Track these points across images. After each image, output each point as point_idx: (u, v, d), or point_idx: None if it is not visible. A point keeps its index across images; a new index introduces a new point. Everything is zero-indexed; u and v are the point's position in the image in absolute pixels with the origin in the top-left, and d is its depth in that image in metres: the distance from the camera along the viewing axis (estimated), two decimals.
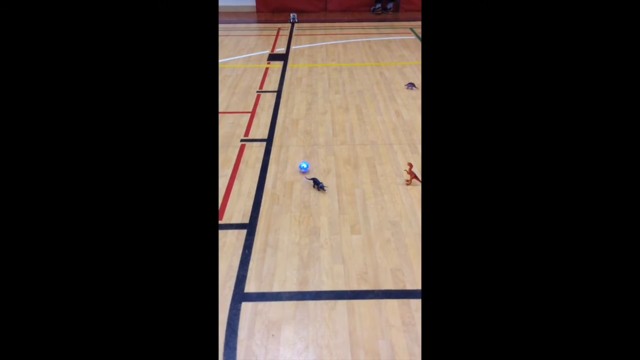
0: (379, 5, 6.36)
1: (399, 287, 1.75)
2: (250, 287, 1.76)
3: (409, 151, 2.71)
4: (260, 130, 3.01)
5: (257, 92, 3.61)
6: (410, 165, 2.38)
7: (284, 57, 4.47)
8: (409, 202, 2.25)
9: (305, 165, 2.50)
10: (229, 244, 1.98)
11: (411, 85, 3.64)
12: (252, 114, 3.23)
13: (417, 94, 3.53)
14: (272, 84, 3.79)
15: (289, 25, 5.77)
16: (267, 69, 4.13)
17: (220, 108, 3.33)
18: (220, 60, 4.39)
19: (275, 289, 1.75)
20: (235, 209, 2.22)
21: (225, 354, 1.49)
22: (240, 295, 1.72)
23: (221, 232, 2.05)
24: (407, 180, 2.40)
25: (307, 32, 5.47)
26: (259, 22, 6.11)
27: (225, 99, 3.48)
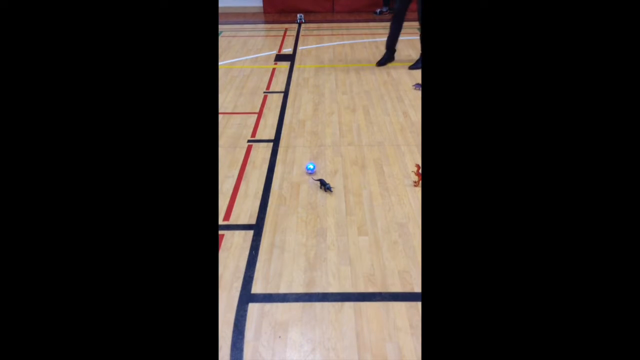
0: (385, 9, 6.33)
1: (407, 289, 1.74)
2: (257, 288, 1.76)
3: (416, 152, 2.69)
4: (267, 130, 3.01)
5: (264, 92, 3.62)
6: (418, 166, 2.36)
7: (291, 58, 4.47)
8: (417, 204, 2.23)
9: (312, 166, 2.49)
10: (236, 245, 1.98)
11: (419, 85, 3.62)
12: (259, 114, 3.24)
13: None
14: (279, 84, 3.79)
15: (296, 25, 5.78)
16: (274, 69, 4.14)
17: (228, 109, 3.34)
18: (227, 61, 4.40)
19: (282, 290, 1.74)
20: (242, 210, 2.22)
21: (232, 356, 1.49)
22: (247, 297, 1.72)
23: (228, 233, 2.05)
24: (415, 182, 2.39)
25: (314, 32, 5.47)
26: (266, 22, 6.12)
27: (233, 100, 3.48)
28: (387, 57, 4.15)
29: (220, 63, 4.33)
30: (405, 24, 4.13)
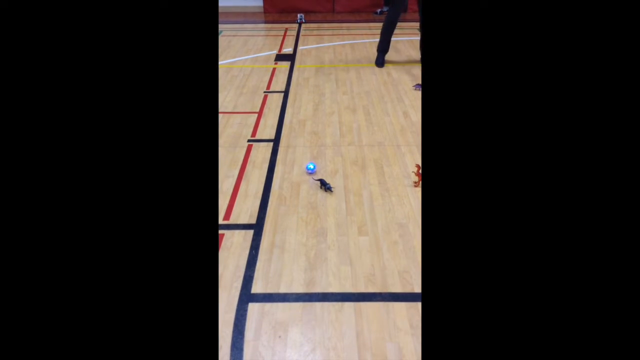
0: (386, 9, 6.33)
1: (407, 289, 1.74)
2: (257, 287, 1.75)
3: (416, 152, 2.69)
4: (267, 130, 3.00)
5: (265, 92, 3.61)
6: (418, 166, 2.36)
7: (291, 58, 4.47)
8: (417, 204, 2.23)
9: (312, 166, 2.49)
10: (236, 244, 1.98)
11: (419, 86, 3.62)
12: (260, 114, 3.23)
13: None
14: (279, 84, 3.79)
15: (296, 25, 5.77)
16: (274, 69, 4.14)
17: (228, 108, 3.34)
18: (228, 61, 4.40)
19: (282, 290, 1.74)
20: (242, 209, 2.22)
21: (232, 355, 1.49)
22: (247, 296, 1.71)
23: (228, 232, 2.05)
24: (415, 182, 2.39)
25: (315, 32, 5.47)
26: (266, 22, 6.12)
27: (233, 99, 3.48)
28: (382, 58, 4.14)
29: (220, 62, 4.32)
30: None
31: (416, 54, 4.48)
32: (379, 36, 4.16)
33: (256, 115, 3.22)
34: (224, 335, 1.56)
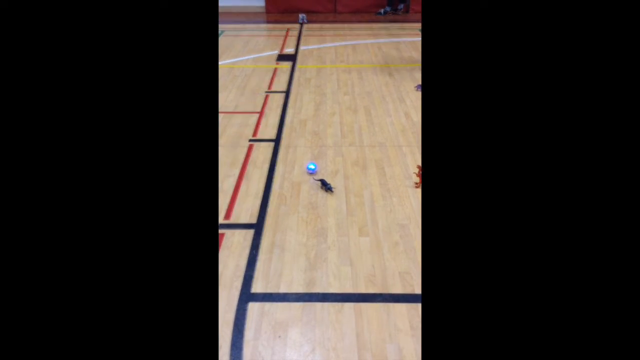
0: (388, 8, 6.33)
1: (408, 290, 1.73)
2: (257, 287, 1.75)
3: (418, 153, 2.69)
4: (268, 130, 3.00)
5: (266, 92, 3.61)
6: (420, 167, 2.36)
7: (292, 58, 4.47)
8: (418, 205, 2.23)
9: (313, 166, 2.49)
10: (236, 244, 1.98)
11: (420, 87, 3.62)
12: (261, 114, 3.23)
13: None
14: (280, 84, 3.79)
15: (298, 25, 5.77)
16: (275, 69, 4.14)
17: (229, 108, 3.33)
18: (229, 61, 4.40)
19: (282, 289, 1.74)
20: (242, 209, 2.21)
21: (232, 355, 1.49)
22: (247, 296, 1.71)
23: (228, 232, 2.05)
24: (416, 183, 2.39)
25: (316, 32, 5.47)
26: (268, 22, 6.12)
27: (234, 99, 3.48)
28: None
29: (222, 62, 4.32)
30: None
31: (418, 56, 4.48)
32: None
33: (257, 115, 3.21)
34: (223, 334, 1.56)
